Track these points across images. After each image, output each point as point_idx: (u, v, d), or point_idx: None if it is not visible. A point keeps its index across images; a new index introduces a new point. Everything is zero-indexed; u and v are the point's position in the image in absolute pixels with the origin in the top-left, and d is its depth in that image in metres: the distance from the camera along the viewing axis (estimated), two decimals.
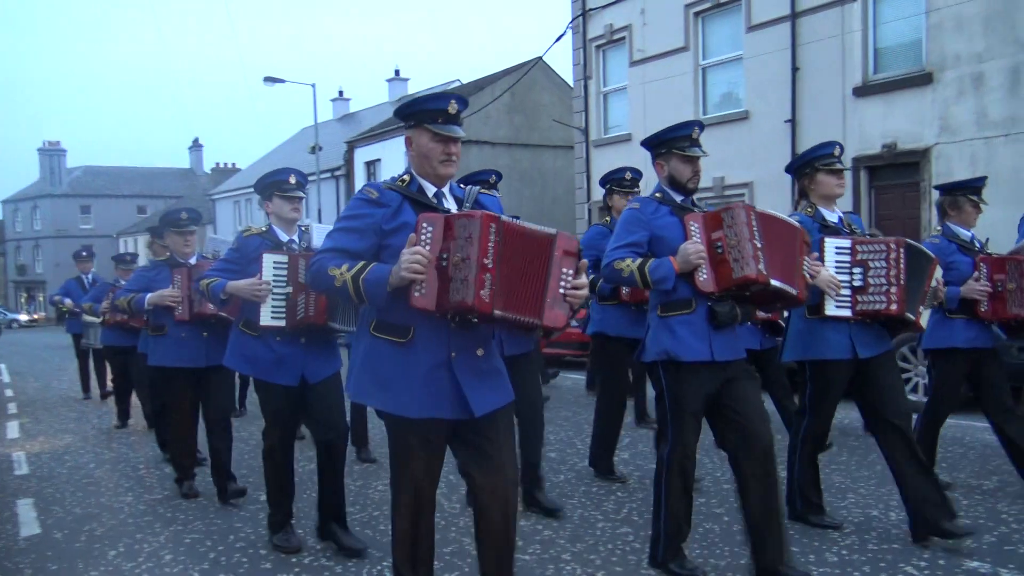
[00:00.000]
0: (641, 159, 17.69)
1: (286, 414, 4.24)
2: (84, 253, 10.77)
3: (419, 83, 72.87)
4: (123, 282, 7.61)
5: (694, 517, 3.88)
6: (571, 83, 18.46)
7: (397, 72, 34.41)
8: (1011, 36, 10.62)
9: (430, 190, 2.92)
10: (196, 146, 57.06)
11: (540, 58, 21.11)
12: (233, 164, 47.48)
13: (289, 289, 4.03)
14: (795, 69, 13.06)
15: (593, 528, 4.46)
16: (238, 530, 4.68)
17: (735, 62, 14.29)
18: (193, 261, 5.38)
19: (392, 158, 25.78)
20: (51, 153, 52.68)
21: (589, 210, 16.83)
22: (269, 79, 24.14)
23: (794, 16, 13.05)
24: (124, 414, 8.55)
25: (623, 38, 16.19)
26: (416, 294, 2.64)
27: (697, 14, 14.78)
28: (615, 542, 4.26)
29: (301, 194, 4.38)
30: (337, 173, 28.44)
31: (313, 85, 24.90)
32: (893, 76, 11.85)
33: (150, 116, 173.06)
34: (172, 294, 5.17)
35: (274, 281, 4.05)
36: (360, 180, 27.39)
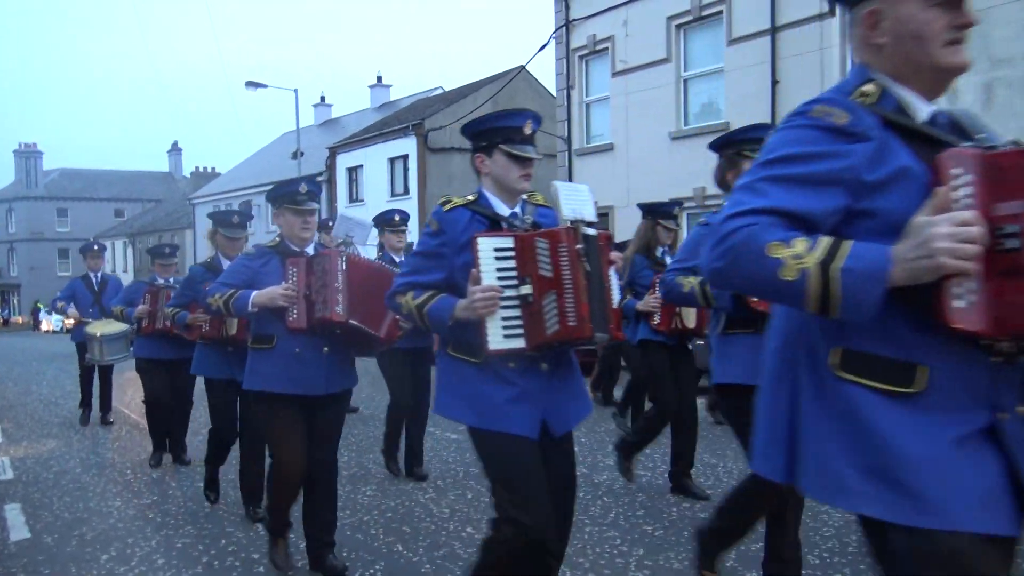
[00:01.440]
0: (623, 169, 17.98)
1: None
2: (95, 247, 8.94)
3: (402, 90, 72.97)
4: (162, 280, 6.64)
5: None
6: (554, 92, 18.62)
7: (380, 78, 34.46)
8: (985, 53, 10.89)
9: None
10: (175, 150, 56.70)
11: (523, 67, 21.28)
12: (213, 168, 47.27)
13: (526, 289, 2.66)
14: (775, 82, 13.29)
15: (581, 532, 4.56)
16: (230, 535, 4.72)
17: (716, 74, 14.51)
18: (311, 250, 4.06)
19: (374, 165, 25.81)
20: (27, 155, 52.10)
21: None
22: (251, 83, 24.09)
23: (774, 30, 13.29)
24: (162, 444, 6.82)
25: (606, 49, 16.38)
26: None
27: (679, 26, 14.99)
28: (603, 546, 4.35)
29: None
30: (319, 179, 28.36)
31: (295, 90, 24.93)
32: None
33: (129, 119, 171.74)
34: (286, 292, 3.82)
35: (501, 279, 2.68)
36: (342, 186, 27.40)
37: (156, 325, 6.37)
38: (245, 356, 4.56)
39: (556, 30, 17.41)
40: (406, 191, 24.49)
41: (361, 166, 26.68)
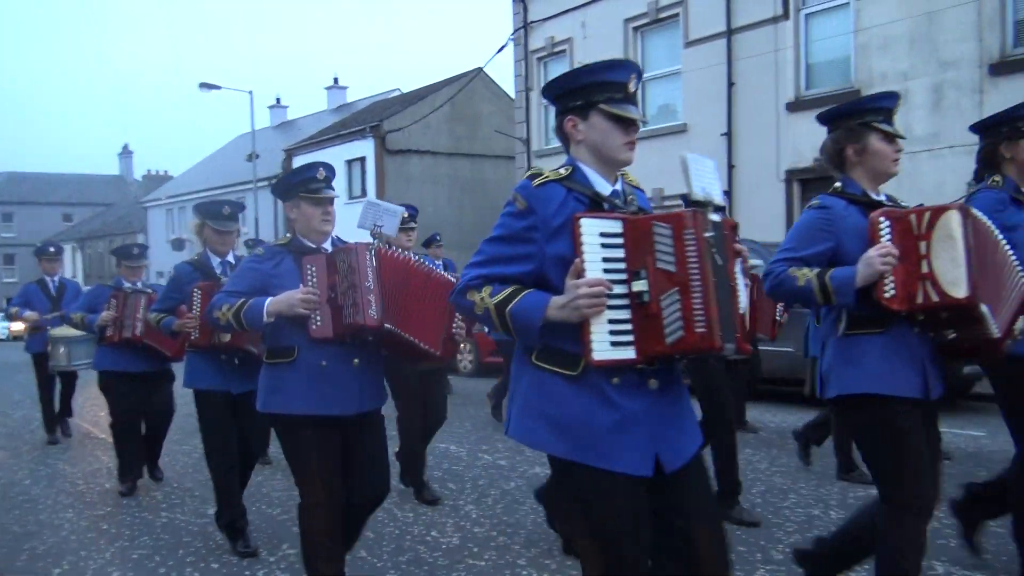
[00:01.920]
0: None
1: None
2: (51, 249, 8.30)
3: (358, 91, 72.40)
4: (129, 284, 5.97)
5: None
6: (512, 94, 18.63)
7: (336, 80, 34.24)
8: (934, 56, 11.15)
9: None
10: (126, 152, 55.60)
11: (481, 69, 21.26)
12: (165, 171, 46.50)
13: (640, 285, 2.07)
14: (731, 84, 13.46)
15: (548, 533, 4.53)
16: (187, 544, 4.60)
17: (673, 76, 14.65)
18: (328, 247, 3.42)
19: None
20: None
21: None
22: (205, 85, 23.72)
23: (730, 33, 13.46)
24: (129, 469, 5.85)
25: (564, 50, 16.44)
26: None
27: (636, 29, 15.11)
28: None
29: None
30: (275, 182, 28.00)
31: (250, 92, 24.59)
32: (824, 92, 12.31)
33: (78, 121, 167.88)
34: (307, 297, 3.13)
35: (607, 273, 2.09)
36: None
37: (124, 334, 5.69)
38: (242, 366, 4.32)
39: (514, 32, 17.43)
40: (364, 193, 24.29)
41: None
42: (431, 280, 3.32)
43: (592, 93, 2.23)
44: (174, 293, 4.61)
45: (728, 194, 14.08)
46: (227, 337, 4.18)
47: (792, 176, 12.60)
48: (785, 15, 12.73)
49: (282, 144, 29.36)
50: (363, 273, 3.12)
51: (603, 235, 2.10)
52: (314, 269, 3.20)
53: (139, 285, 6.00)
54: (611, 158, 2.27)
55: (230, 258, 4.64)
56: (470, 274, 2.25)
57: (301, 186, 3.36)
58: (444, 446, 6.99)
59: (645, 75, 15.12)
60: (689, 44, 14.17)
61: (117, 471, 5.97)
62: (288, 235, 3.48)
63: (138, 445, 5.96)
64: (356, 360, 3.25)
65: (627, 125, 2.24)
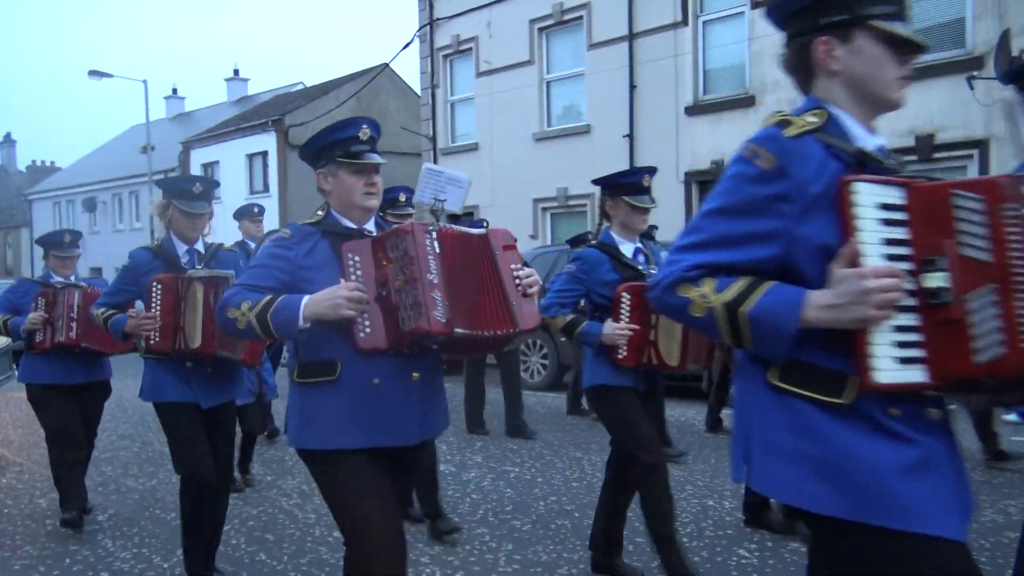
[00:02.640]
0: (488, 168, 18.04)
1: None
2: None
3: (260, 83, 70.57)
4: (60, 278, 4.95)
5: None
6: (418, 91, 18.53)
7: (236, 72, 33.18)
8: None
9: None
10: (8, 142, 52.36)
11: (387, 64, 21.05)
12: (52, 162, 44.07)
13: (937, 280, 1.51)
14: (632, 87, 13.77)
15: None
16: (75, 552, 4.42)
17: (577, 77, 14.87)
18: (372, 228, 2.70)
19: (231, 161, 24.84)
20: None
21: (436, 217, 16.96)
22: (94, 73, 22.64)
23: (632, 36, 13.76)
24: (78, 495, 4.86)
25: (470, 49, 16.46)
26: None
27: (541, 30, 15.27)
28: (472, 543, 4.37)
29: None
30: (171, 175, 27.03)
31: (144, 81, 23.62)
32: (721, 97, 12.74)
33: None
34: (353, 294, 2.40)
35: (891, 259, 1.54)
36: None
37: (57, 338, 4.67)
38: (216, 375, 3.68)
39: (420, 29, 17.33)
40: (266, 188, 23.72)
41: (217, 162, 25.62)
42: (493, 251, 2.55)
43: (861, 4, 1.63)
44: (129, 286, 3.81)
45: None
46: (196, 341, 3.51)
47: (691, 178, 13.00)
48: (684, 21, 13.11)
49: (179, 136, 28.32)
50: (424, 263, 2.36)
51: (884, 207, 1.52)
52: (357, 260, 2.45)
53: (72, 279, 5.00)
54: (881, 97, 1.68)
55: (199, 245, 3.84)
56: (685, 261, 1.64)
57: (338, 147, 2.62)
58: None
59: (549, 75, 15.34)
60: (593, 46, 14.42)
61: (59, 501, 4.91)
62: (320, 212, 2.67)
63: (82, 467, 4.99)
64: (416, 374, 2.52)
65: (907, 50, 1.66)
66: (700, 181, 13.02)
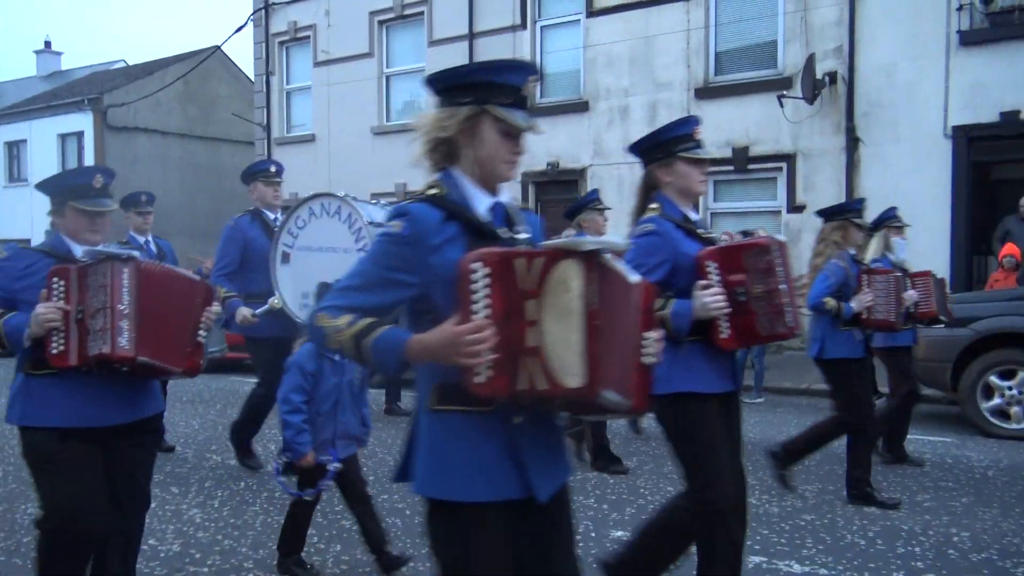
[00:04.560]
0: (324, 160, 17.65)
1: None
2: None
3: (74, 59, 65.23)
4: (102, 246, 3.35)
5: None
6: (252, 77, 17.84)
7: (48, 44, 30.52)
8: (650, 77, 12.31)
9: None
10: None
11: (219, 47, 20.14)
12: None
13: None
14: None
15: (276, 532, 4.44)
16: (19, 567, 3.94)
17: (418, 73, 14.84)
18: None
19: (41, 140, 22.87)
20: None
21: None
22: None
23: (472, 36, 13.90)
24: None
25: (307, 37, 16.04)
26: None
27: (381, 23, 15.12)
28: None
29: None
30: (41, 182, 24.47)
31: None
32: (557, 101, 13.13)
33: None
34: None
35: None
36: (0, 162, 23.94)
37: (93, 350, 2.85)
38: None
39: (254, 12, 16.70)
40: None
41: (24, 140, 23.50)
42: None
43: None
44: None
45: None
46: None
47: (528, 179, 13.30)
48: (523, 25, 13.40)
49: None
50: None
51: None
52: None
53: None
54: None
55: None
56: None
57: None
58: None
59: (389, 69, 15.20)
60: (433, 43, 14.44)
61: None
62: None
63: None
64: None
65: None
66: (537, 182, 13.36)
